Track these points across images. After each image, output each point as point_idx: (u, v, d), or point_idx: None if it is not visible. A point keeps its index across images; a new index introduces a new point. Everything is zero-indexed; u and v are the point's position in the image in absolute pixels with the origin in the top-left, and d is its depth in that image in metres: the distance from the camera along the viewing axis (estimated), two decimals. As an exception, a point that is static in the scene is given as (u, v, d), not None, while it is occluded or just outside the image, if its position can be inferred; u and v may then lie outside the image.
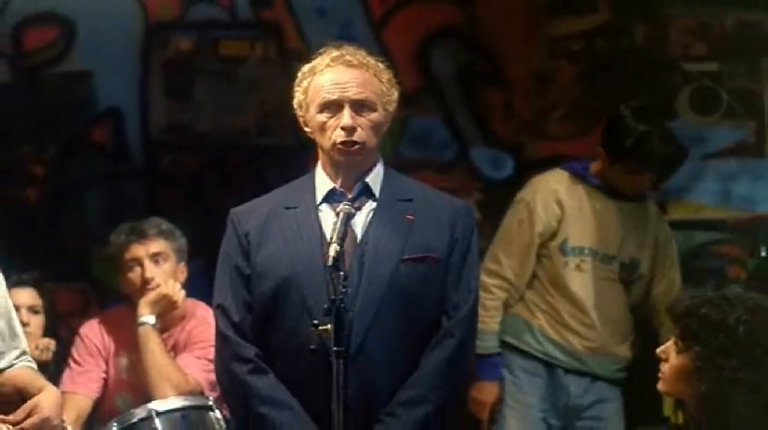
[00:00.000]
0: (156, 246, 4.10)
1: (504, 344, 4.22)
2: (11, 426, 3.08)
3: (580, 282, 4.16)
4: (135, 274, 4.08)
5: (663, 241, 4.32)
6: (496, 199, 4.99)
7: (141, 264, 4.07)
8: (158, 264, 4.08)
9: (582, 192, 4.21)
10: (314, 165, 3.27)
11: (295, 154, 4.95)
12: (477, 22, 5.18)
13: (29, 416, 3.10)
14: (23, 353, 3.26)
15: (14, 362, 3.22)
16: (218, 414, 3.70)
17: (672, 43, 5.15)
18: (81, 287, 4.91)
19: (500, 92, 5.19)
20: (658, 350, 2.88)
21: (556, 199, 4.18)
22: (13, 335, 3.24)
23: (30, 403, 3.13)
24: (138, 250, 4.08)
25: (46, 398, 3.16)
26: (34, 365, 3.29)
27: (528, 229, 4.17)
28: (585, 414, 4.21)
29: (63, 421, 3.47)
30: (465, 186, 5.07)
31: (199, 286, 4.17)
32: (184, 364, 3.99)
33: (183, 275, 4.14)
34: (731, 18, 5.13)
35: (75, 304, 4.93)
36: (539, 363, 4.20)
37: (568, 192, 4.21)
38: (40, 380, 3.25)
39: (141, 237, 4.10)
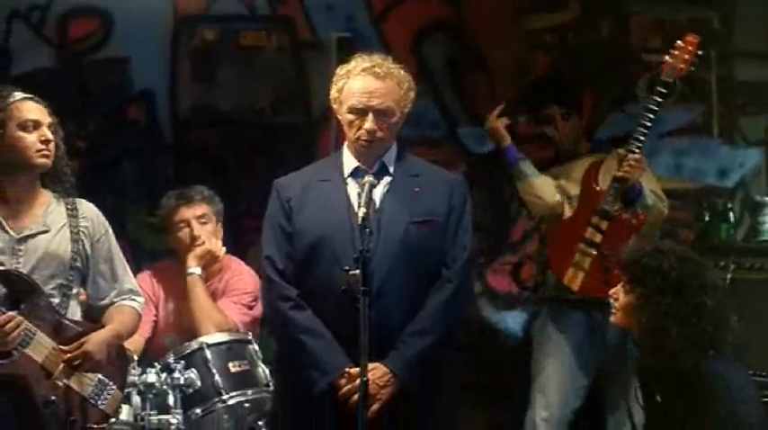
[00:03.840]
0: (201, 209, 4.47)
1: (549, 298, 4.61)
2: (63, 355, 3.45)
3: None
4: (184, 233, 4.45)
5: None
6: (480, 171, 5.51)
7: (189, 225, 4.44)
8: (203, 225, 4.45)
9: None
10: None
11: (304, 131, 5.45)
12: (465, 18, 5.60)
13: (79, 347, 3.50)
14: (123, 292, 3.70)
15: (115, 300, 3.68)
16: (255, 346, 4.20)
17: (633, 36, 5.62)
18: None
19: (484, 78, 5.62)
20: (610, 292, 3.43)
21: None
22: (114, 277, 3.69)
23: (85, 338, 3.51)
24: (186, 213, 4.45)
25: (94, 335, 3.53)
26: (135, 304, 3.70)
27: None
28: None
29: (129, 351, 4.00)
30: (453, 160, 5.45)
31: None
32: (224, 308, 4.38)
33: (220, 234, 4.52)
34: (684, 16, 5.61)
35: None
36: (578, 309, 4.52)
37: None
38: (114, 319, 3.64)
39: (188, 201, 4.47)
